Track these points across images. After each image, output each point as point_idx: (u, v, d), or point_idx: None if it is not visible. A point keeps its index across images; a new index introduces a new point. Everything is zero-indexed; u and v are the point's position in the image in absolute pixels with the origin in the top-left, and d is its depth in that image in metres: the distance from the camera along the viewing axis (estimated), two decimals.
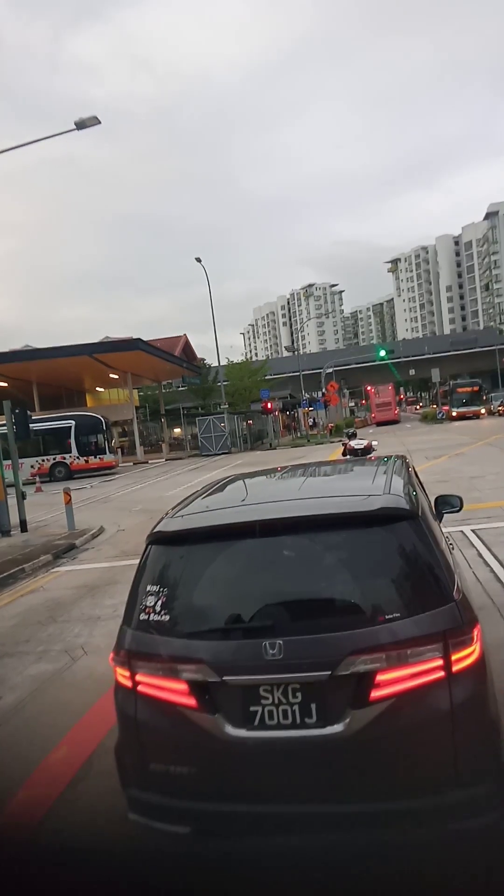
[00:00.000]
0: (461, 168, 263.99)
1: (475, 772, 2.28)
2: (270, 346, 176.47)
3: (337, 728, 2.26)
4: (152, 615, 2.51)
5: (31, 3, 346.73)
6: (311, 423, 45.10)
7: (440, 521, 3.73)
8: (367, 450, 15.72)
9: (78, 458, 29.31)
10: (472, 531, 8.18)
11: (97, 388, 44.87)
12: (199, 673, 2.36)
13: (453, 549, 3.37)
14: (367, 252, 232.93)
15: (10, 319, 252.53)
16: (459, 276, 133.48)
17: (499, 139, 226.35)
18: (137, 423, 40.50)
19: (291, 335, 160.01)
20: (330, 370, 53.14)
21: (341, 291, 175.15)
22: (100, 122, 11.61)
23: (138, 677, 2.48)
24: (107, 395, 45.97)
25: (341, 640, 2.29)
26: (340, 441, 33.32)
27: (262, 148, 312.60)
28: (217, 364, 44.37)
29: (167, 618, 2.49)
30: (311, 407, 43.91)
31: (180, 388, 51.10)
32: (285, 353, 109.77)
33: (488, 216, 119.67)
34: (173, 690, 2.41)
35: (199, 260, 36.46)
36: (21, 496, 12.96)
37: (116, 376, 38.24)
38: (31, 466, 29.24)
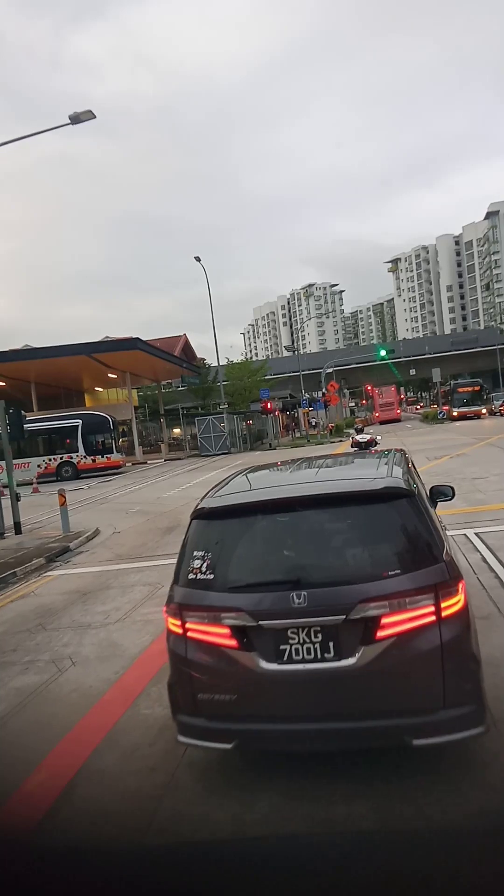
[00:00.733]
0: (462, 167, 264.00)
1: (460, 696, 2.85)
2: (270, 345, 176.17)
3: (350, 661, 2.86)
4: (198, 574, 3.10)
5: (32, 1, 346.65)
6: (311, 424, 44.85)
7: (435, 508, 4.23)
8: (371, 443, 18.10)
9: (85, 457, 29.05)
10: (476, 534, 7.94)
11: (96, 388, 44.61)
12: (239, 619, 2.95)
13: (446, 529, 3.96)
14: (368, 251, 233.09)
15: (10, 319, 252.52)
16: (460, 275, 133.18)
17: (500, 138, 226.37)
18: (136, 423, 40.28)
19: (291, 335, 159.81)
20: (330, 370, 52.90)
21: (341, 291, 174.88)
22: (94, 117, 11.37)
23: (188, 625, 3.07)
24: (105, 395, 45.71)
25: (353, 591, 2.88)
26: (340, 441, 33.12)
27: (262, 147, 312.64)
28: (217, 364, 44.17)
29: (211, 576, 3.08)
30: (311, 407, 43.68)
31: (180, 388, 50.87)
32: (285, 353, 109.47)
33: (489, 216, 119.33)
34: (217, 634, 3.00)
35: (198, 259, 36.24)
36: (15, 497, 12.72)
37: (115, 376, 37.99)
38: (38, 466, 29.05)
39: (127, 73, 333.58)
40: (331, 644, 2.88)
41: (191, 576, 3.15)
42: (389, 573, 2.91)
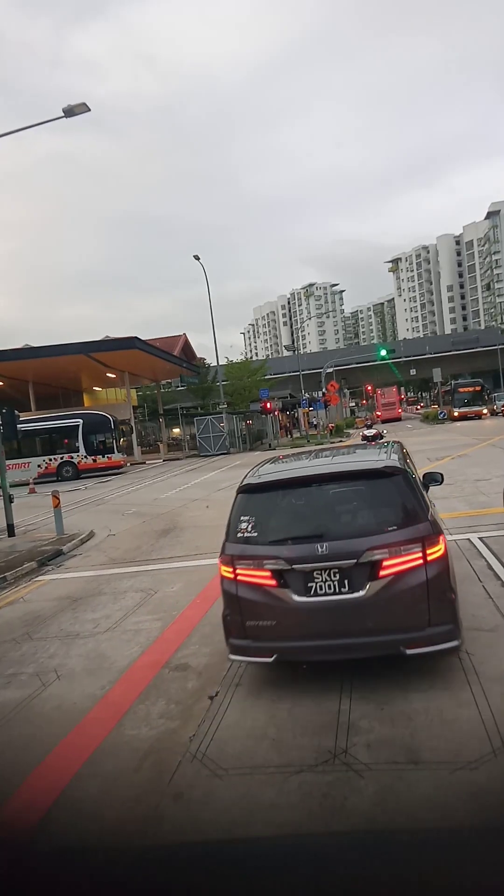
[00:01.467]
0: (463, 167, 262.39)
1: (441, 618, 3.80)
2: (271, 345, 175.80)
3: (360, 593, 3.80)
4: (245, 533, 4.12)
5: (32, 0, 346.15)
6: (311, 424, 44.57)
7: (427, 491, 5.00)
8: (376, 437, 20.60)
9: (86, 457, 28.69)
10: (480, 539, 7.66)
11: (95, 388, 44.33)
12: (277, 564, 3.91)
13: (434, 507, 4.75)
14: (368, 251, 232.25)
15: (10, 319, 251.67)
16: (460, 275, 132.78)
17: (501, 138, 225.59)
18: (135, 423, 39.99)
19: (292, 334, 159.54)
20: (330, 370, 52.60)
21: (342, 291, 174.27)
22: (89, 110, 11.10)
23: (238, 570, 4.03)
24: (104, 394, 45.43)
25: (362, 542, 3.84)
26: (340, 441, 32.86)
27: (263, 146, 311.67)
28: (216, 364, 43.88)
29: (255, 534, 4.09)
30: (311, 407, 43.39)
31: (179, 388, 50.59)
32: (285, 353, 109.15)
33: (489, 215, 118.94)
34: (260, 576, 3.96)
35: (197, 258, 35.95)
36: (8, 499, 12.46)
37: (114, 376, 37.71)
38: (39, 466, 28.74)
39: (128, 72, 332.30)
40: (346, 581, 3.87)
41: (239, 534, 4.16)
42: (388, 528, 3.92)
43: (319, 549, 3.86)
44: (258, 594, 3.97)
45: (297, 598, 3.87)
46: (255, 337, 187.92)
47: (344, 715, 3.62)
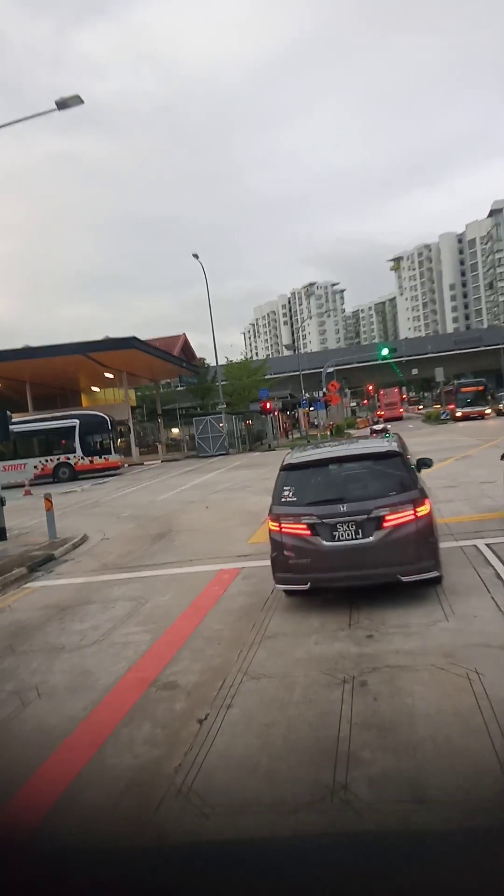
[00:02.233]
0: (465, 166, 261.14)
1: (426, 555, 5.39)
2: (271, 345, 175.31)
3: (370, 539, 5.33)
4: (287, 498, 5.70)
5: (35, 0, 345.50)
6: (311, 424, 44.23)
7: (419, 472, 6.42)
8: (384, 431, 24.50)
9: (82, 458, 28.21)
10: (488, 546, 7.33)
11: (93, 388, 44.02)
12: (311, 519, 5.45)
13: (425, 483, 6.19)
14: (370, 251, 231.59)
15: (11, 319, 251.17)
16: (463, 273, 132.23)
17: (503, 138, 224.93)
18: (134, 423, 39.68)
19: (292, 334, 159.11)
20: (331, 369, 52.17)
21: (342, 290, 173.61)
22: (82, 102, 10.79)
23: (282, 524, 5.57)
24: (103, 395, 45.12)
25: (371, 503, 5.41)
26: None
27: (264, 146, 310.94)
28: (216, 363, 43.55)
29: (295, 498, 5.66)
30: (311, 407, 43.03)
31: (178, 388, 50.26)
32: (286, 352, 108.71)
33: (492, 213, 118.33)
34: (299, 528, 5.49)
35: (196, 256, 35.63)
36: (0, 501, 12.15)
37: (112, 376, 37.42)
38: (35, 467, 28.37)
39: (129, 72, 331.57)
40: (360, 530, 5.40)
41: (282, 499, 5.75)
42: (389, 494, 5.51)
43: (341, 508, 5.49)
44: (297, 541, 5.55)
45: (325, 542, 5.47)
46: (255, 336, 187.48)
47: (343, 743, 3.31)
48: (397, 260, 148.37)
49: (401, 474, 5.64)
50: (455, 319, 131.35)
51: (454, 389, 46.14)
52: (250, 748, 3.39)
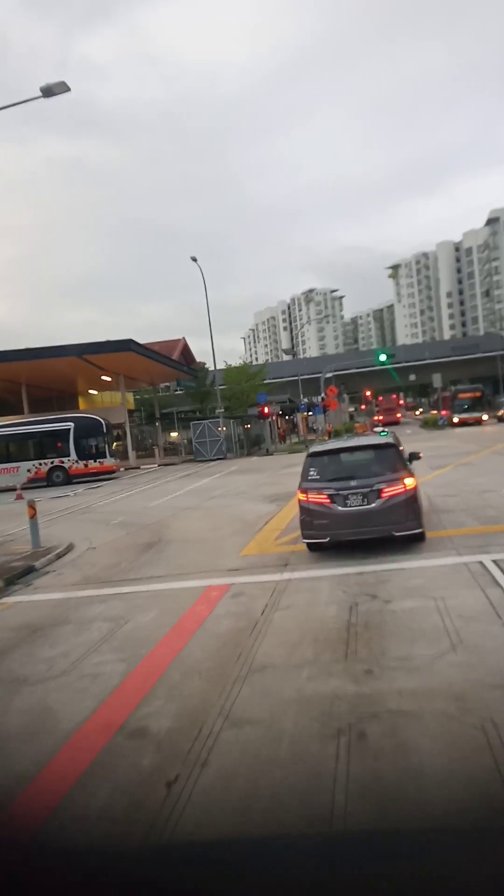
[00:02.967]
0: (463, 175, 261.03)
1: (413, 518, 7.77)
2: (271, 350, 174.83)
3: (373, 505, 7.66)
4: (311, 476, 8.09)
5: (39, 4, 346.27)
6: (310, 429, 43.69)
7: (410, 463, 8.56)
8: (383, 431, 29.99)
9: (77, 461, 27.54)
10: (494, 562, 6.78)
11: (90, 391, 43.44)
12: (330, 491, 7.79)
13: (415, 471, 8.45)
14: (368, 258, 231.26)
15: (13, 323, 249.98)
16: (460, 282, 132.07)
17: (502, 146, 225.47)
18: (131, 426, 39.08)
19: (291, 339, 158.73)
20: (329, 374, 51.68)
21: (341, 297, 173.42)
22: (69, 89, 10.29)
23: (308, 495, 7.90)
24: (100, 398, 44.53)
25: (373, 480, 7.78)
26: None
27: (265, 153, 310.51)
28: (214, 367, 43.02)
29: (318, 476, 8.04)
30: (309, 412, 42.51)
31: (177, 392, 49.73)
32: (285, 358, 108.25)
33: (489, 222, 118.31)
34: (321, 498, 7.81)
35: (194, 259, 35.16)
36: None
37: (109, 378, 36.86)
38: (28, 471, 27.74)
39: (133, 77, 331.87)
40: (365, 500, 7.61)
41: (309, 477, 8.03)
42: (386, 473, 7.79)
43: (351, 483, 7.72)
44: (319, 507, 7.76)
45: (340, 508, 7.66)
46: (255, 342, 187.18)
47: (339, 822, 2.74)
48: (395, 268, 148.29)
49: (395, 460, 8.07)
50: (452, 327, 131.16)
51: (452, 395, 45.71)
52: (224, 827, 2.79)
